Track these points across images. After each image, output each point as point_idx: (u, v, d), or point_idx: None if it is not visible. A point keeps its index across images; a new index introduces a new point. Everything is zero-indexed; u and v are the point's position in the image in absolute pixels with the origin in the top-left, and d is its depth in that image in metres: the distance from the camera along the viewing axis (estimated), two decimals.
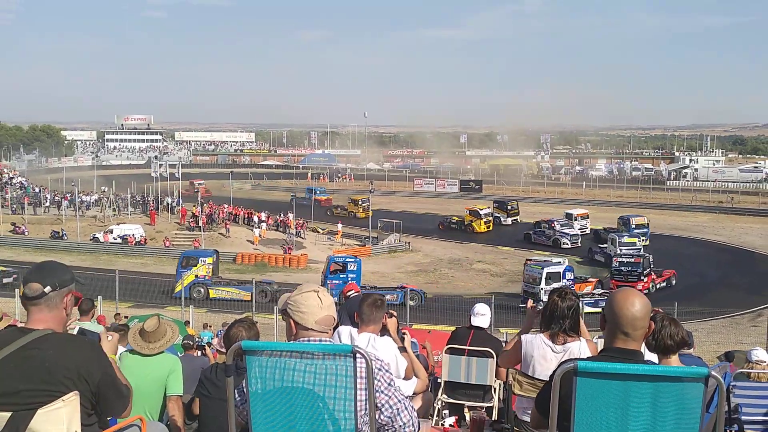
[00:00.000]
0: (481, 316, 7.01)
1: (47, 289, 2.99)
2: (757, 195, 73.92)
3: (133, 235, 50.47)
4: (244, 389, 2.80)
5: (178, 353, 8.27)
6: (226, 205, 59.43)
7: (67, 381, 2.88)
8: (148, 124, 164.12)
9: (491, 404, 6.71)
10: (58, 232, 51.84)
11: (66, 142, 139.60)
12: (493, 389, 6.80)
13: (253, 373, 2.71)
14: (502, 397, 6.73)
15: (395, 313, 5.46)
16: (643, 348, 3.24)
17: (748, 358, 6.82)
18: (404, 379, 4.85)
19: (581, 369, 2.48)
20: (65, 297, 3.07)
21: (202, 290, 35.81)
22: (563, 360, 2.96)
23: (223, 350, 5.76)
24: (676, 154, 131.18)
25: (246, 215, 57.08)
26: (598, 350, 3.20)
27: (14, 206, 59.29)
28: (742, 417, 5.74)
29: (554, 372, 2.75)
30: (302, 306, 2.99)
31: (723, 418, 2.55)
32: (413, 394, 4.98)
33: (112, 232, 50.83)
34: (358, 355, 2.63)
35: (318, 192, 70.80)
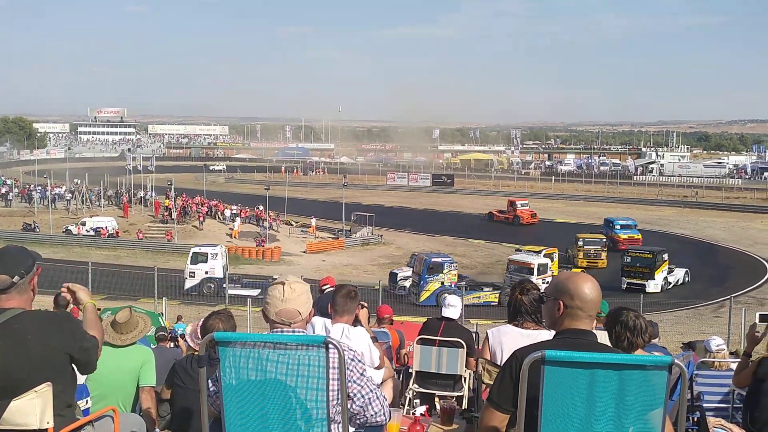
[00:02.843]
0: (452, 307, 7.05)
1: (16, 278, 3.03)
2: (720, 190, 75.03)
3: (106, 227, 49.87)
4: (218, 380, 2.78)
5: (151, 345, 8.21)
6: (200, 198, 59.09)
7: (51, 355, 2.93)
8: (122, 117, 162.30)
9: (461, 393, 6.75)
10: (30, 225, 51.06)
11: (38, 134, 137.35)
12: (463, 379, 6.84)
13: (226, 363, 2.70)
14: (472, 387, 6.77)
15: (366, 304, 5.48)
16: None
17: (707, 347, 6.95)
18: (377, 368, 4.86)
19: (549, 358, 2.49)
20: (32, 280, 3.14)
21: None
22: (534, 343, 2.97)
23: (194, 343, 5.71)
24: (643, 149, 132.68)
25: (216, 208, 56.72)
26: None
27: None
28: (704, 404, 5.85)
29: (507, 362, 2.77)
30: (268, 297, 3.00)
31: (685, 405, 2.59)
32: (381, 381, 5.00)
33: (84, 225, 50.19)
34: (330, 345, 2.63)
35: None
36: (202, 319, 5.41)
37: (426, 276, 33.56)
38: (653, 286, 34.35)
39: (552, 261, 35.63)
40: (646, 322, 4.21)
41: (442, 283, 33.36)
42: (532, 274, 32.38)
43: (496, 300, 32.23)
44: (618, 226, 48.01)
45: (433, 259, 34.49)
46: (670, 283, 35.86)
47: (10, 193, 61.20)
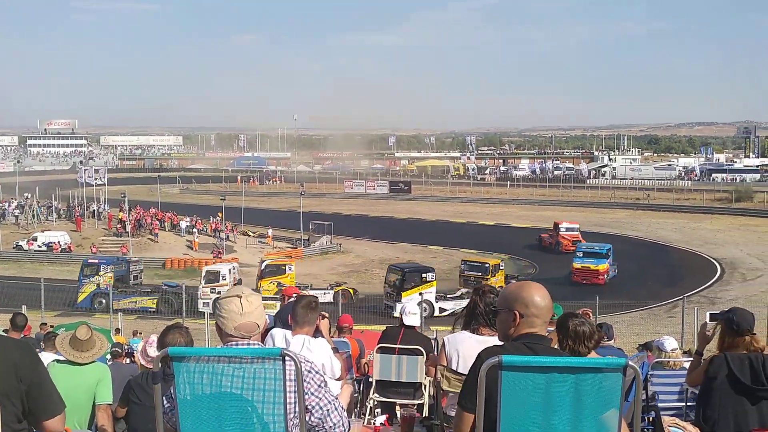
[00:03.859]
0: (412, 315, 7.07)
1: None
2: (671, 191, 76.63)
3: (59, 242, 48.84)
4: (172, 396, 2.74)
5: (107, 361, 8.04)
6: (153, 210, 58.25)
7: (3, 381, 2.81)
8: (72, 129, 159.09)
9: (422, 401, 6.76)
10: None
11: None
12: (423, 386, 6.85)
13: (181, 379, 2.66)
14: (432, 394, 6.78)
15: (327, 315, 5.44)
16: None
17: (661, 348, 7.07)
18: (338, 379, 4.83)
19: (506, 363, 2.51)
20: None
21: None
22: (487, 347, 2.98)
23: (146, 360, 5.58)
24: (596, 153, 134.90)
25: (170, 220, 55.98)
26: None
27: None
28: (659, 404, 5.95)
29: (473, 365, 2.79)
30: (223, 311, 2.94)
31: (640, 406, 2.63)
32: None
33: (36, 240, 49.07)
34: (287, 357, 2.61)
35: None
36: (152, 335, 5.33)
37: (82, 277, 34.66)
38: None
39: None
40: (593, 328, 4.23)
41: (98, 285, 34.19)
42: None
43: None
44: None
45: (89, 260, 36.12)
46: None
47: None
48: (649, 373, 6.12)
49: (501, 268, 36.75)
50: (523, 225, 60.49)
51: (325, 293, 32.57)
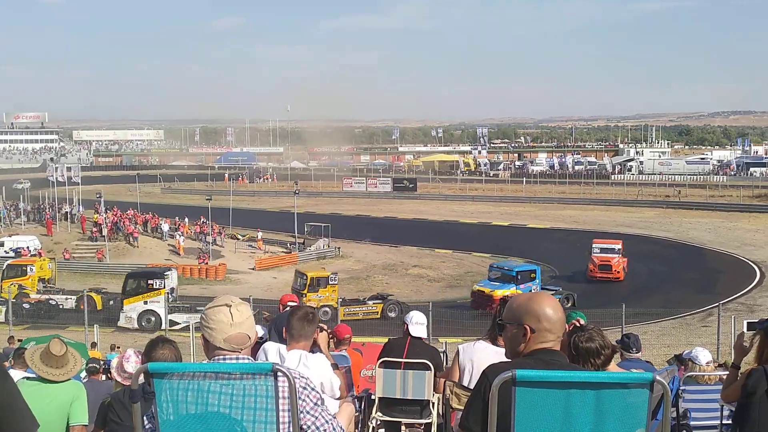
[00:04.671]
0: (419, 324, 7.04)
1: None
2: (704, 188, 76.58)
3: (28, 247, 48.82)
4: (154, 415, 2.74)
5: (81, 378, 8.06)
6: (132, 211, 58.34)
7: None
8: (42, 123, 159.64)
9: (429, 420, 6.76)
10: None
11: None
12: (431, 404, 6.85)
13: (163, 397, 2.66)
14: (441, 412, 6.79)
15: (326, 327, 5.44)
16: None
17: (694, 360, 7.06)
18: (338, 398, 4.82)
19: (520, 378, 2.51)
20: None
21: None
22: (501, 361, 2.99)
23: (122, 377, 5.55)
24: (621, 146, 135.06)
25: (142, 221, 56.06)
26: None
27: None
28: (692, 422, 5.94)
29: (477, 383, 2.79)
30: (211, 322, 2.92)
31: (669, 425, 2.63)
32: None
33: (2, 245, 49.10)
34: (279, 373, 2.61)
35: None
36: (129, 349, 5.32)
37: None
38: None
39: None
40: (604, 343, 4.21)
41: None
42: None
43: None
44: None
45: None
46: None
47: None
48: (681, 388, 6.11)
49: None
50: (540, 225, 60.47)
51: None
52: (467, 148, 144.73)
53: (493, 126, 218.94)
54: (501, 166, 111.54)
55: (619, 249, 40.22)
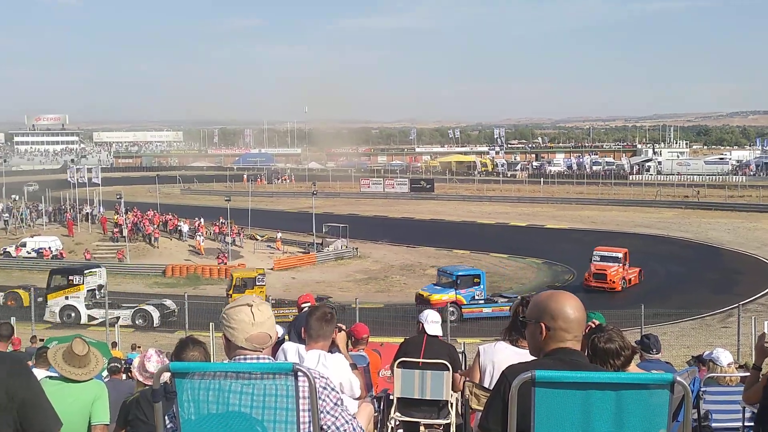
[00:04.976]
0: (435, 323, 7.04)
1: None
2: (723, 188, 75.96)
3: (50, 248, 49.26)
4: (175, 415, 2.75)
5: (102, 378, 8.11)
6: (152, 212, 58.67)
7: None
8: (63, 124, 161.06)
9: (448, 420, 6.75)
10: None
11: None
12: (450, 404, 6.84)
13: (185, 397, 2.68)
14: (460, 412, 6.77)
15: (344, 327, 5.43)
16: None
17: (714, 361, 6.99)
18: (357, 398, 4.82)
19: (539, 379, 2.51)
20: None
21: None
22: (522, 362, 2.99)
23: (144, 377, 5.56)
24: (639, 146, 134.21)
25: (159, 222, 56.28)
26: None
27: None
28: (713, 424, 5.89)
29: (497, 384, 2.79)
30: (233, 321, 2.93)
31: (690, 427, 2.62)
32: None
33: (25, 246, 49.55)
34: (299, 373, 2.62)
35: None
36: (150, 349, 5.33)
37: None
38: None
39: None
40: (624, 344, 4.18)
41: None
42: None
43: None
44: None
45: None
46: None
47: None
48: (702, 389, 6.07)
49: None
50: (558, 226, 60.25)
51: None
52: (484, 148, 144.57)
53: (510, 126, 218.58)
54: (518, 167, 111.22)
55: (620, 258, 38.02)
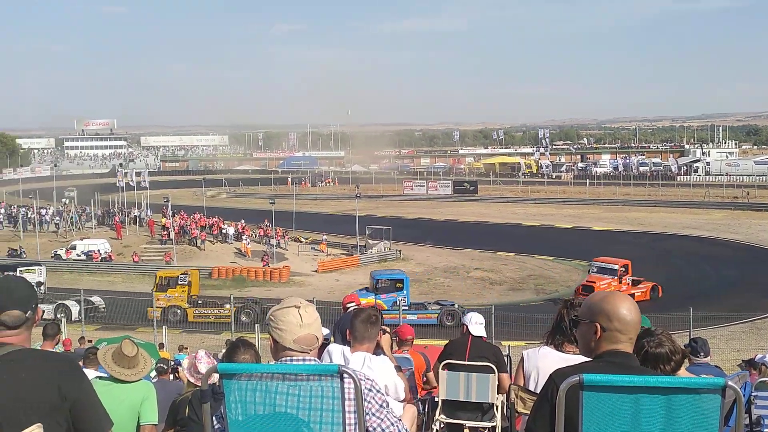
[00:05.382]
0: (479, 324, 7.03)
1: (28, 314, 3.01)
2: None
3: (99, 250, 50.20)
4: (222, 417, 2.79)
5: (151, 378, 8.23)
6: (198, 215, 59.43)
7: (45, 397, 2.88)
8: (111, 129, 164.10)
9: (493, 423, 6.72)
10: (16, 250, 51.48)
11: (22, 150, 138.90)
12: (495, 407, 6.80)
13: (232, 398, 2.71)
14: (506, 415, 6.74)
15: (389, 330, 5.43)
16: None
17: (767, 365, 6.85)
18: (402, 401, 4.81)
19: (587, 382, 2.48)
20: (36, 314, 3.10)
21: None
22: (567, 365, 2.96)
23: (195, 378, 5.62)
24: (686, 146, 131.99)
25: (203, 224, 56.86)
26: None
27: None
28: (765, 430, 5.77)
29: (544, 387, 2.76)
30: (281, 323, 2.97)
31: None
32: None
33: (75, 248, 50.54)
34: (345, 375, 2.63)
35: None
36: (200, 351, 5.38)
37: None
38: None
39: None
40: (674, 348, 4.10)
41: None
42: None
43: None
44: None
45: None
46: None
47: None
48: (753, 394, 5.95)
49: None
50: (604, 228, 59.57)
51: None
52: (529, 150, 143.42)
53: (555, 127, 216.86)
54: (563, 168, 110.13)
55: (615, 270, 35.59)
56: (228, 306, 32.58)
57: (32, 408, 2.85)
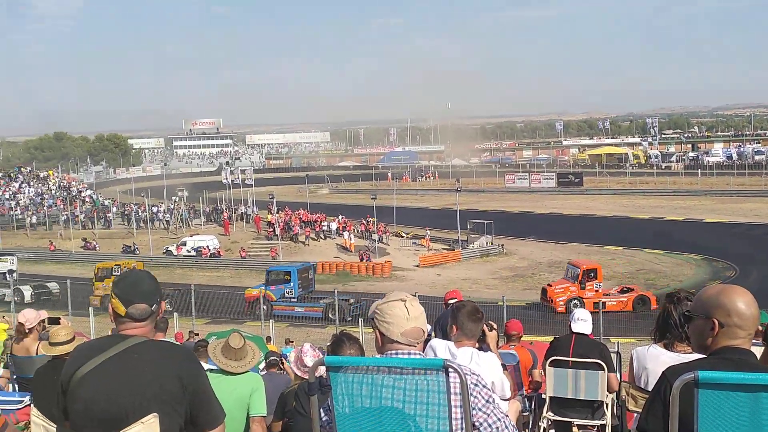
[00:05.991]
0: (582, 321, 6.90)
1: (153, 307, 3.14)
2: None
3: (208, 246, 51.73)
4: (330, 409, 2.84)
5: (259, 371, 8.43)
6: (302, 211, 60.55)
7: (167, 387, 2.98)
8: (217, 128, 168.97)
9: (603, 422, 6.58)
10: (130, 247, 53.76)
11: (133, 151, 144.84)
12: (605, 405, 6.67)
13: (339, 390, 2.75)
14: (616, 414, 6.60)
15: (495, 326, 5.36)
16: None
17: None
18: (507, 399, 4.75)
19: (703, 380, 2.40)
20: (160, 307, 3.23)
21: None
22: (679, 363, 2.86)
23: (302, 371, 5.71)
24: None
25: (314, 222, 57.65)
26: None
27: (84, 221, 62.19)
28: None
29: (656, 385, 2.68)
30: (387, 316, 2.99)
31: None
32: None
33: (185, 245, 52.30)
34: (450, 369, 2.63)
35: None
36: (306, 344, 5.46)
37: None
38: None
39: None
40: None
41: None
42: None
43: None
44: None
45: None
46: None
47: (109, 214, 64.72)
48: None
49: None
50: (718, 220, 57.32)
51: None
52: (636, 139, 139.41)
53: (664, 116, 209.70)
54: (673, 158, 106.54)
55: (578, 275, 33.49)
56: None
57: (155, 398, 2.97)
